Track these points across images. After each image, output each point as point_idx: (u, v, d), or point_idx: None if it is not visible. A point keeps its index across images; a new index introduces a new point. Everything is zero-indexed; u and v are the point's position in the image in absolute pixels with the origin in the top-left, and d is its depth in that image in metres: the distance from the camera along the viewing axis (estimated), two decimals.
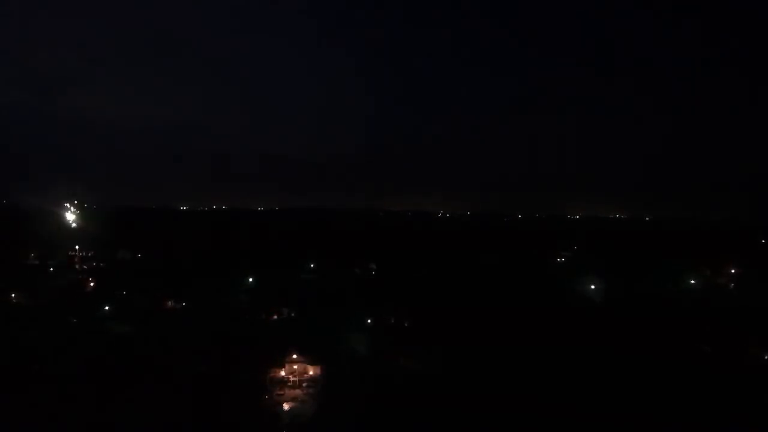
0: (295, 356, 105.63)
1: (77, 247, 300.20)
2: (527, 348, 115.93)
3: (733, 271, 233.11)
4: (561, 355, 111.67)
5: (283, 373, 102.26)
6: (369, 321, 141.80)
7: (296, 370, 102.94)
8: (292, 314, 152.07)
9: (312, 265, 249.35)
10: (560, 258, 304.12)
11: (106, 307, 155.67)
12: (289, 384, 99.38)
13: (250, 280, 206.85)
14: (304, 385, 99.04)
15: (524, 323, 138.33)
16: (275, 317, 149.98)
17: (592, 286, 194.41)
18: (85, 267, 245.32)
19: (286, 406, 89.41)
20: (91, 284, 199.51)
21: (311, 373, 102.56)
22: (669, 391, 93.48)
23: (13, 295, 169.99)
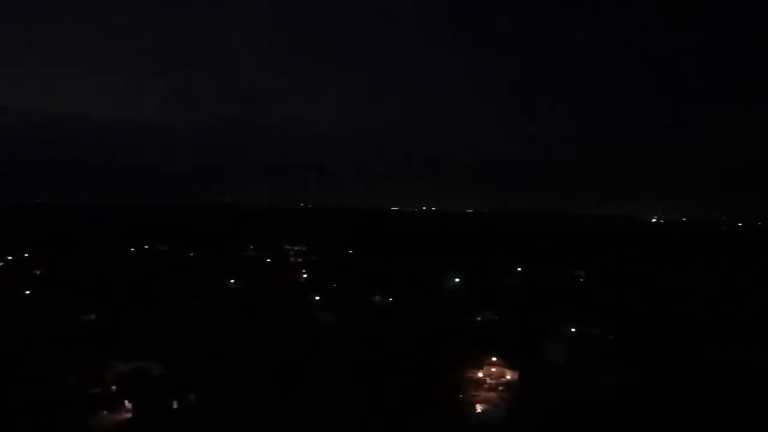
0: (493, 359, 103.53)
1: (290, 241, 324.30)
2: (736, 372, 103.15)
3: None
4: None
5: (480, 375, 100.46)
6: (572, 330, 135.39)
7: (493, 373, 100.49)
8: (495, 317, 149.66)
9: (518, 269, 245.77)
10: None
11: (317, 297, 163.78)
12: (485, 386, 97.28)
13: (456, 280, 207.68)
14: (499, 388, 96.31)
15: (738, 346, 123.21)
16: (478, 319, 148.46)
17: None
18: (299, 260, 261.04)
19: (479, 407, 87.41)
20: (304, 275, 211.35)
21: (508, 377, 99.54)
22: None
23: (232, 281, 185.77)
